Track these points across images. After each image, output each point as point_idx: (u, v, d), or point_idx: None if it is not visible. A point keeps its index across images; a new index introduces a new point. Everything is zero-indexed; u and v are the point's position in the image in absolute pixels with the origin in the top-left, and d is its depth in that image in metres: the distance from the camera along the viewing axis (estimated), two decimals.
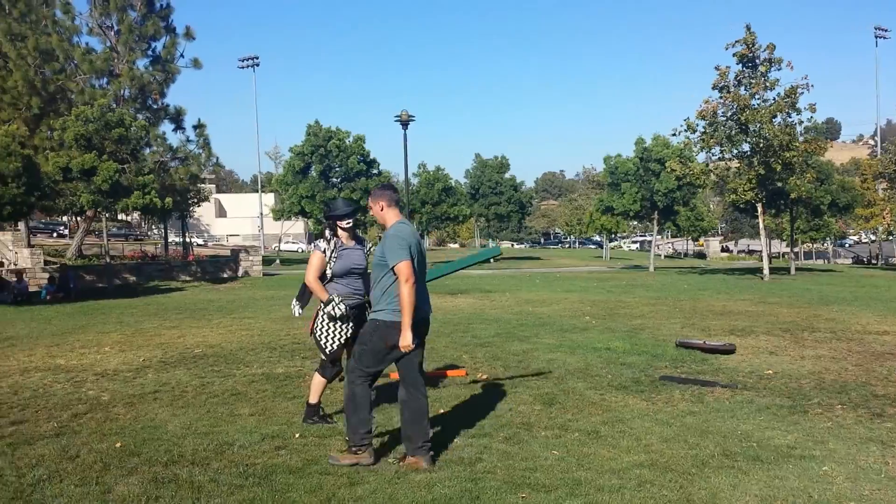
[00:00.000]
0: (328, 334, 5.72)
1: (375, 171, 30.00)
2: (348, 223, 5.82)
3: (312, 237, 8.08)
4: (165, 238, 42.76)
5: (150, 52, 32.21)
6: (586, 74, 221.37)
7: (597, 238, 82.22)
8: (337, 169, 29.07)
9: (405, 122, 30.00)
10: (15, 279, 21.38)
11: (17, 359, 9.52)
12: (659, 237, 54.97)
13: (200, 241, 57.79)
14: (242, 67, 52.30)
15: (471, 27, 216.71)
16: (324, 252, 5.69)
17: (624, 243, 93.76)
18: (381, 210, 5.06)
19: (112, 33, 31.65)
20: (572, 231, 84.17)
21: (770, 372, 7.98)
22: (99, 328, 13.01)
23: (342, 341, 5.72)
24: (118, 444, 5.34)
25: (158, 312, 15.87)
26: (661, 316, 13.66)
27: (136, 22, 31.16)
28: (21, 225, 28.80)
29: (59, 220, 52.43)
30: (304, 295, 5.92)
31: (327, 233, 5.78)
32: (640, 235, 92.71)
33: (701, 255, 67.88)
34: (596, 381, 7.49)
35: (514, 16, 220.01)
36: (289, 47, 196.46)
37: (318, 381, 5.86)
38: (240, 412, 6.32)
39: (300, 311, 6.05)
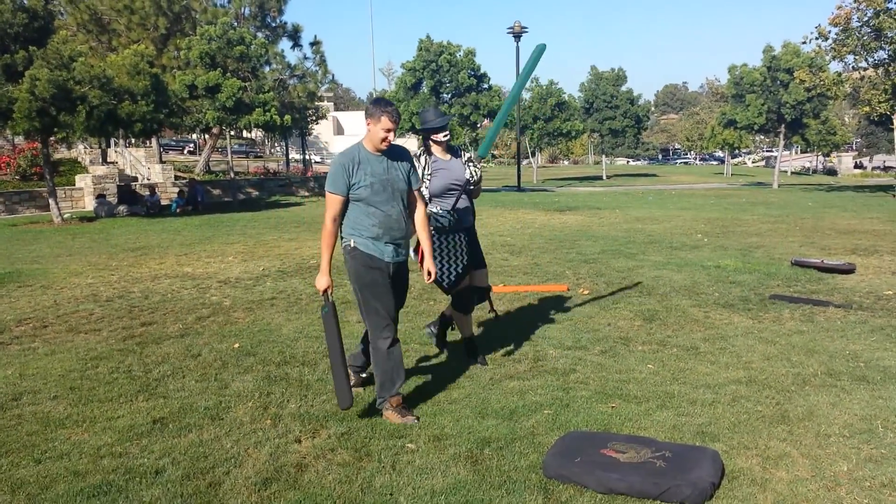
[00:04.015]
0: (440, 266, 4.95)
1: (486, 86, 29.62)
2: (445, 135, 5.04)
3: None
4: (286, 155, 44.26)
5: None
6: None
7: (719, 154, 78.79)
8: (447, 84, 28.89)
9: (517, 35, 29.45)
10: (148, 193, 22.85)
11: (148, 266, 10.29)
12: (787, 153, 52.15)
13: (318, 158, 59.40)
14: None
15: None
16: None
17: (749, 159, 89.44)
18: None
19: None
20: (692, 147, 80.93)
21: (889, 293, 7.60)
22: (223, 239, 13.79)
23: (459, 270, 5.01)
24: (236, 345, 5.78)
25: (278, 225, 16.61)
26: (779, 234, 13.13)
27: None
28: (153, 142, 30.44)
29: (189, 137, 55.00)
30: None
31: (421, 148, 5.08)
32: (767, 150, 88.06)
33: (831, 172, 64.01)
34: (701, 299, 7.38)
35: None
36: None
37: (456, 316, 5.27)
38: (348, 319, 6.64)
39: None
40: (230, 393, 4.64)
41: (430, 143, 5.05)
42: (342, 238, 4.26)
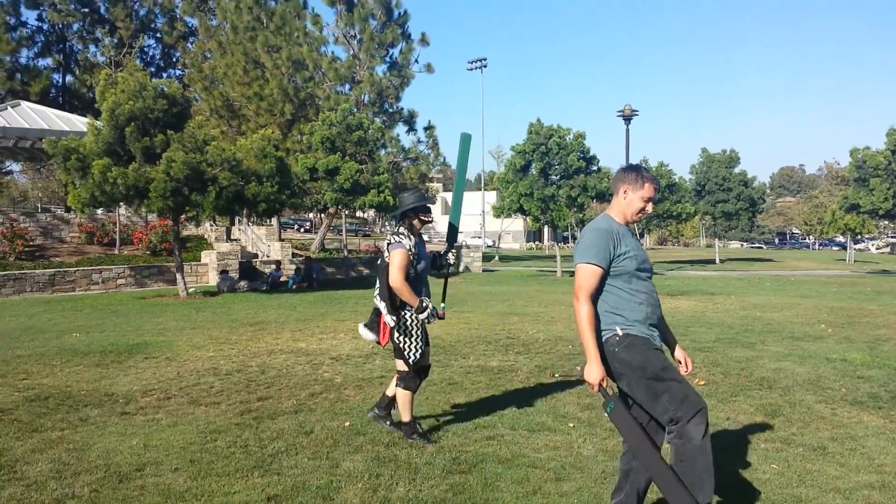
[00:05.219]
0: (414, 341, 5.28)
1: (595, 168, 29.62)
2: (431, 217, 5.46)
3: (395, 235, 5.13)
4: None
5: (388, 59, 34.34)
6: (828, 60, 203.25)
7: (839, 239, 75.24)
8: (556, 166, 29.08)
9: (628, 118, 29.47)
10: (273, 267, 23.96)
11: (266, 341, 10.67)
12: None
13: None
14: (471, 69, 53.94)
15: (695, 13, 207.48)
16: (409, 250, 5.17)
17: (873, 245, 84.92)
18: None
19: (355, 42, 34.13)
20: (811, 231, 77.75)
21: None
22: (336, 316, 14.16)
23: (424, 349, 5.34)
24: (347, 424, 5.87)
25: None
26: None
27: (376, 30, 33.36)
28: (273, 220, 31.90)
29: (305, 216, 57.34)
30: (394, 301, 5.21)
31: (403, 230, 5.28)
32: (892, 236, 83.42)
33: None
34: (827, 395, 6.97)
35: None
36: (514, 47, 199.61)
37: (405, 396, 5.36)
38: (455, 401, 6.66)
39: (372, 336, 5.34)
40: (341, 473, 4.70)
41: (414, 223, 5.31)
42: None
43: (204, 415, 6.25)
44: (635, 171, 3.74)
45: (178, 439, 5.47)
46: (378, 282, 5.32)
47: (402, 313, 5.24)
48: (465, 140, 5.82)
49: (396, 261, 5.10)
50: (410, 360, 5.30)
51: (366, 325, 5.41)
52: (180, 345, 10.33)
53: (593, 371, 3.49)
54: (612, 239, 3.60)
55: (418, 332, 5.29)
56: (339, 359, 9.04)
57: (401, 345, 5.28)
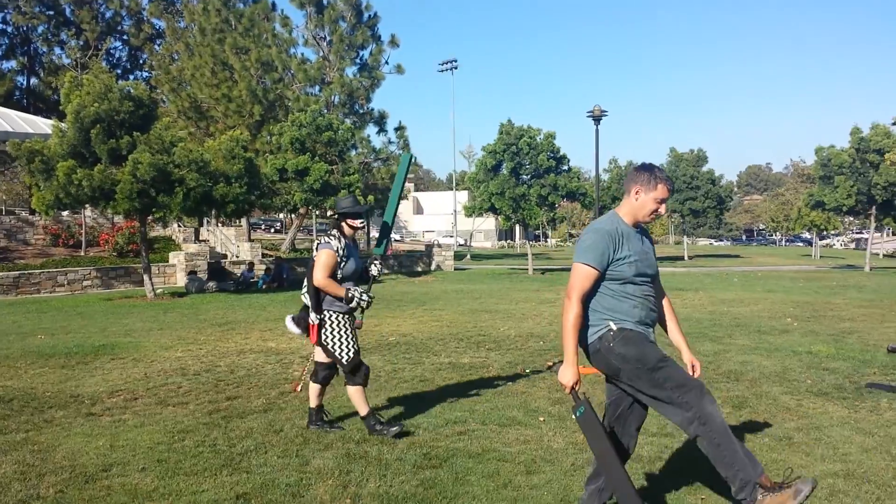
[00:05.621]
0: (342, 341, 5.37)
1: (565, 168, 29.82)
2: (362, 223, 5.64)
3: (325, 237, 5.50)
4: (367, 234, 45.24)
5: (358, 60, 34.18)
6: (795, 60, 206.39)
7: (805, 235, 76.48)
8: (527, 166, 29.23)
9: (597, 118, 29.63)
10: (246, 268, 23.76)
11: (235, 341, 10.58)
12: (877, 234, 50.20)
13: (398, 237, 60.56)
14: (442, 71, 54.15)
15: (663, 14, 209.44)
16: (336, 251, 5.33)
17: (838, 241, 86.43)
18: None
19: (325, 44, 33.96)
20: (778, 228, 78.94)
21: None
22: None
23: (357, 346, 5.42)
24: None
25: None
26: (874, 319, 12.55)
27: (346, 32, 33.22)
28: (243, 221, 31.66)
29: (276, 216, 57.00)
30: (318, 300, 5.34)
31: (335, 231, 5.48)
32: (856, 232, 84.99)
33: None
34: (793, 386, 7.08)
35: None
36: (485, 49, 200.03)
37: (356, 392, 5.44)
38: (426, 398, 6.65)
39: (298, 330, 5.52)
40: (311, 470, 4.67)
41: (345, 227, 5.49)
42: (591, 326, 3.55)
43: (172, 415, 6.17)
44: (648, 172, 3.59)
45: (146, 439, 5.40)
46: (306, 280, 5.41)
47: (328, 313, 5.35)
48: (406, 159, 6.43)
49: (322, 260, 5.29)
50: (344, 360, 5.37)
51: (293, 319, 5.55)
52: (148, 346, 10.21)
53: (568, 373, 3.43)
54: (613, 241, 3.49)
55: (346, 331, 5.38)
56: (310, 358, 8.97)
57: (329, 346, 5.37)
